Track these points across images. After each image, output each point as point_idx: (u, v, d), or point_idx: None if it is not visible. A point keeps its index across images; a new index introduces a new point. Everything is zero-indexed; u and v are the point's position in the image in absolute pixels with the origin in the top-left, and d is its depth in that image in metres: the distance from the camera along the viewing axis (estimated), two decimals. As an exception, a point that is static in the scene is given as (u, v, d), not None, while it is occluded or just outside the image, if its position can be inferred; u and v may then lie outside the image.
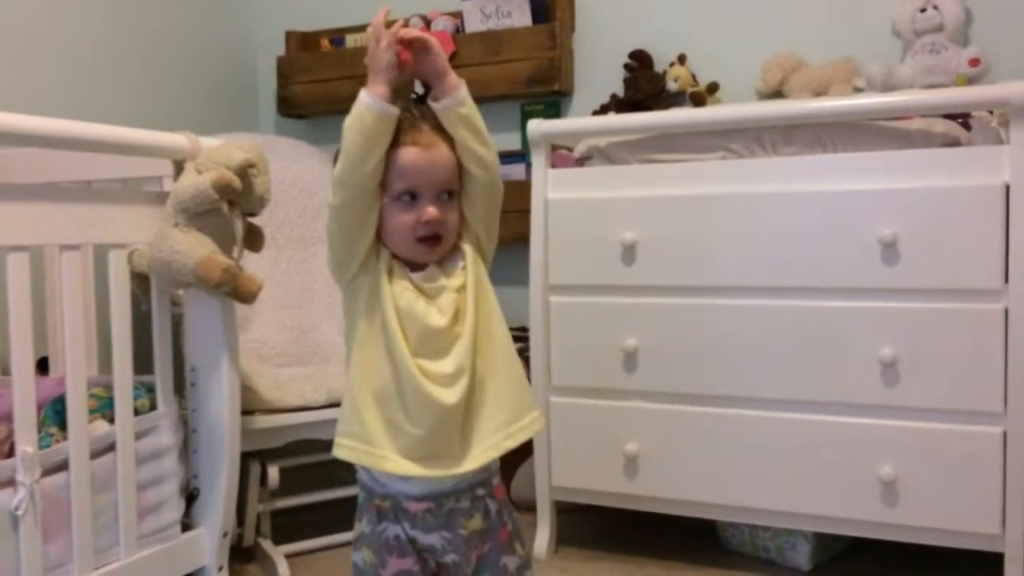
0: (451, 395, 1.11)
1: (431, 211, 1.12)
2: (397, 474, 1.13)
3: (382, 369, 1.12)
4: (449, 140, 1.14)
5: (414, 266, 1.16)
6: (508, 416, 1.15)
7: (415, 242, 1.14)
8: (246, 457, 1.94)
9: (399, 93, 1.15)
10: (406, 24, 1.16)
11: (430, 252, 1.15)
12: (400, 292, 1.13)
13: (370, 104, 1.09)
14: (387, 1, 1.26)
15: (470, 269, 1.17)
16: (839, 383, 1.82)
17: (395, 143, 1.12)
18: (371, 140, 1.10)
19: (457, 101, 1.13)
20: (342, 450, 1.15)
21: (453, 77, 1.14)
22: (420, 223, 1.12)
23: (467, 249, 1.18)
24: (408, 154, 1.12)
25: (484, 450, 1.14)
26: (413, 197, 1.13)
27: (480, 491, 1.18)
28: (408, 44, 1.13)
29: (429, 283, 1.15)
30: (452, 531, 1.16)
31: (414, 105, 1.16)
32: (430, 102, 1.15)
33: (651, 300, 1.99)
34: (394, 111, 1.11)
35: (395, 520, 1.17)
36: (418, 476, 1.12)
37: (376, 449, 1.12)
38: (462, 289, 1.16)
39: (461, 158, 1.15)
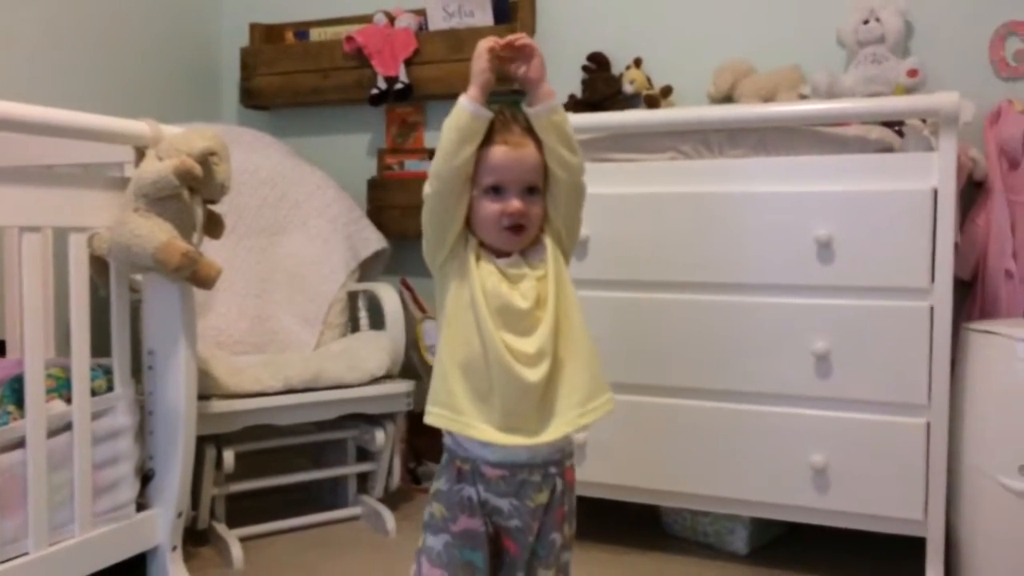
0: (534, 374, 1.21)
1: (515, 204, 1.23)
2: (480, 440, 1.22)
3: (471, 344, 1.23)
4: (537, 142, 1.25)
5: (499, 254, 1.27)
6: (583, 396, 1.25)
7: (501, 230, 1.24)
8: (202, 441, 1.97)
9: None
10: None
11: (514, 240, 1.26)
12: (486, 275, 1.24)
13: (465, 105, 1.22)
14: None
15: (551, 261, 1.27)
16: (775, 375, 1.91)
17: (488, 142, 1.23)
18: (464, 136, 1.21)
19: (550, 108, 1.24)
20: (431, 417, 1.25)
21: (547, 86, 1.25)
22: (505, 214, 1.23)
23: (549, 243, 1.28)
24: (497, 152, 1.24)
25: (559, 425, 1.23)
26: (499, 191, 1.24)
27: (552, 470, 1.28)
28: (518, 49, 1.24)
29: (513, 269, 1.26)
30: (520, 500, 1.26)
31: (509, 108, 1.27)
32: (524, 107, 1.25)
33: (600, 294, 2.06)
34: (486, 113, 1.22)
35: (472, 483, 1.26)
36: (498, 443, 1.22)
37: (462, 417, 1.23)
38: (543, 278, 1.26)
39: (547, 160, 1.25)
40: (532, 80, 1.25)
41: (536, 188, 1.26)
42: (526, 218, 1.24)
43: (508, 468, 1.26)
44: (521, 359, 1.22)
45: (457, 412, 1.23)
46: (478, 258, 1.26)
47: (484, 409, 1.23)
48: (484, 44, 1.24)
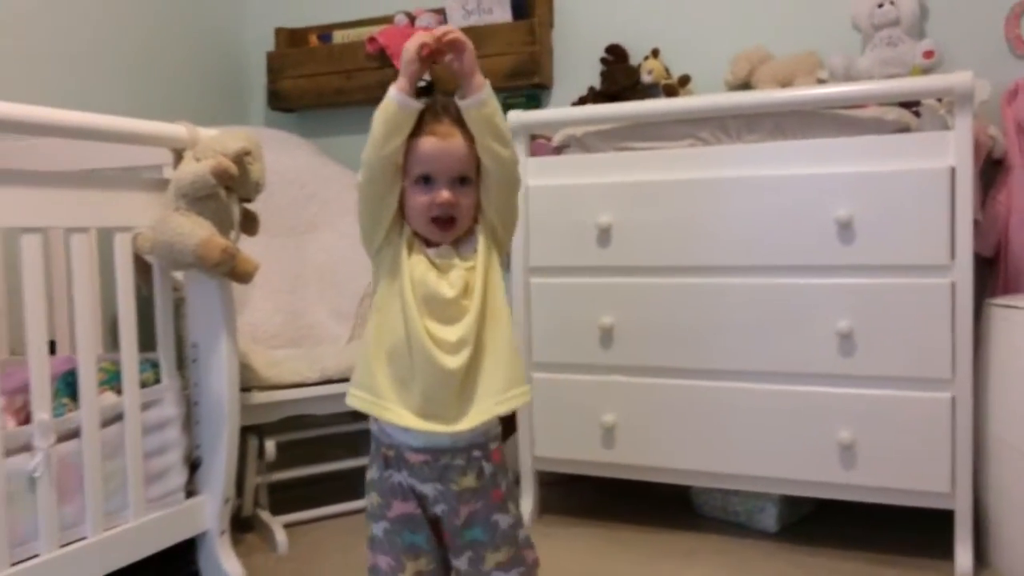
0: (453, 361, 1.23)
1: (444, 195, 1.24)
2: (398, 425, 1.25)
3: (396, 330, 1.25)
4: (468, 132, 1.25)
5: (430, 243, 1.29)
6: (501, 386, 1.26)
7: (429, 221, 1.26)
8: (244, 432, 2.04)
9: (443, 90, 1.29)
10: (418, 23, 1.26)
11: (443, 232, 1.27)
12: (416, 263, 1.26)
13: (392, 96, 1.23)
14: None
15: (481, 253, 1.28)
16: (800, 354, 1.95)
17: (417, 132, 1.25)
18: (391, 127, 1.23)
19: (479, 101, 1.24)
20: (353, 399, 1.28)
21: (479, 78, 1.25)
22: (434, 204, 1.25)
23: (481, 235, 1.29)
24: (426, 143, 1.24)
25: (477, 413, 1.25)
26: (428, 181, 1.25)
27: (476, 453, 1.29)
28: (449, 43, 1.24)
29: (441, 259, 1.27)
30: (444, 484, 1.28)
31: (442, 99, 1.28)
32: (456, 99, 1.26)
33: (625, 280, 2.11)
34: (414, 104, 1.23)
35: (398, 468, 1.29)
36: (416, 429, 1.24)
37: (382, 401, 1.25)
38: (472, 269, 1.28)
39: (479, 152, 1.25)
40: (463, 72, 1.23)
41: (467, 179, 1.26)
42: (456, 208, 1.25)
43: (431, 453, 1.27)
44: (443, 346, 1.23)
45: (377, 395, 1.25)
46: (410, 247, 1.27)
47: (404, 395, 1.24)
48: (415, 40, 1.24)
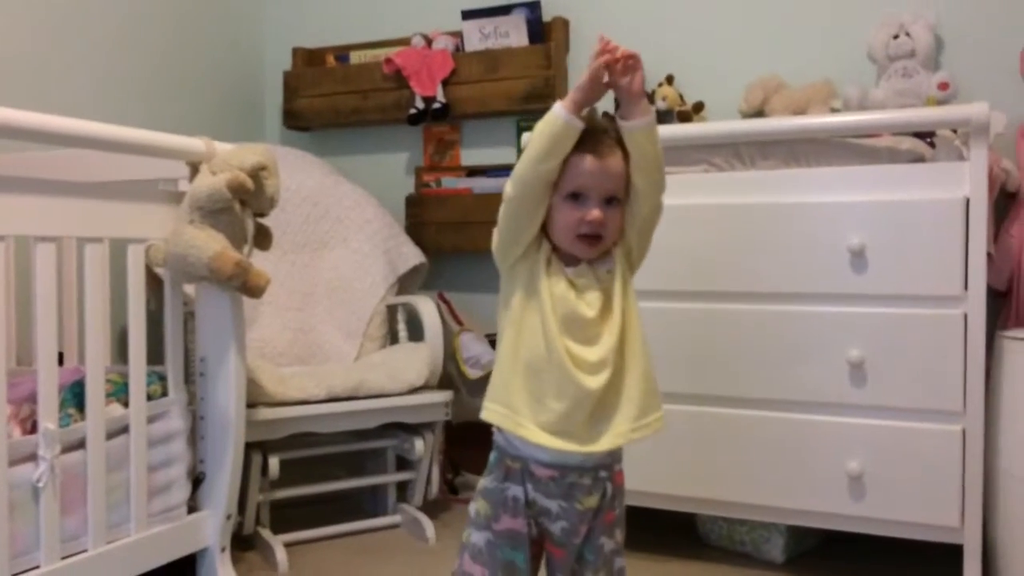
0: (594, 382, 1.24)
1: (595, 212, 1.25)
2: (531, 441, 1.25)
3: (535, 346, 1.26)
4: (625, 154, 1.26)
5: (568, 261, 1.29)
6: (638, 411, 1.27)
7: (576, 238, 1.27)
8: (248, 448, 2.02)
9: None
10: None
11: (588, 249, 1.28)
12: (555, 282, 1.27)
13: (559, 113, 1.23)
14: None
15: (618, 274, 1.29)
16: (810, 383, 1.93)
17: (577, 149, 1.25)
18: (554, 144, 1.23)
19: (647, 125, 1.25)
20: (488, 413, 1.29)
21: (646, 102, 1.26)
22: (584, 221, 1.25)
23: (618, 256, 1.31)
24: (586, 160, 1.25)
25: (612, 437, 1.26)
26: (578, 198, 1.26)
27: (603, 473, 1.30)
28: (619, 59, 1.25)
29: (580, 278, 1.28)
30: (569, 502, 1.28)
31: (603, 120, 1.29)
32: (618, 119, 1.27)
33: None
34: (578, 123, 1.23)
35: (520, 482, 1.29)
36: (550, 447, 1.25)
37: (518, 416, 1.26)
38: (609, 289, 1.29)
39: (632, 174, 1.27)
40: (633, 93, 1.25)
41: (616, 199, 1.27)
42: (604, 228, 1.26)
43: (559, 469, 1.28)
44: (583, 366, 1.24)
45: (512, 410, 1.26)
46: (548, 263, 1.28)
47: (539, 411, 1.25)
48: (602, 59, 1.23)
